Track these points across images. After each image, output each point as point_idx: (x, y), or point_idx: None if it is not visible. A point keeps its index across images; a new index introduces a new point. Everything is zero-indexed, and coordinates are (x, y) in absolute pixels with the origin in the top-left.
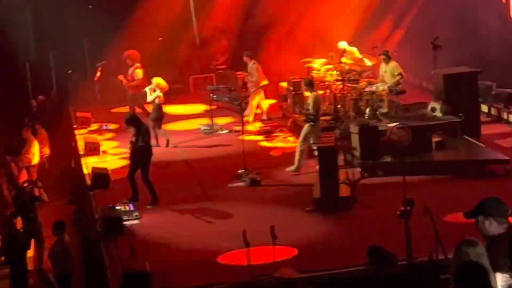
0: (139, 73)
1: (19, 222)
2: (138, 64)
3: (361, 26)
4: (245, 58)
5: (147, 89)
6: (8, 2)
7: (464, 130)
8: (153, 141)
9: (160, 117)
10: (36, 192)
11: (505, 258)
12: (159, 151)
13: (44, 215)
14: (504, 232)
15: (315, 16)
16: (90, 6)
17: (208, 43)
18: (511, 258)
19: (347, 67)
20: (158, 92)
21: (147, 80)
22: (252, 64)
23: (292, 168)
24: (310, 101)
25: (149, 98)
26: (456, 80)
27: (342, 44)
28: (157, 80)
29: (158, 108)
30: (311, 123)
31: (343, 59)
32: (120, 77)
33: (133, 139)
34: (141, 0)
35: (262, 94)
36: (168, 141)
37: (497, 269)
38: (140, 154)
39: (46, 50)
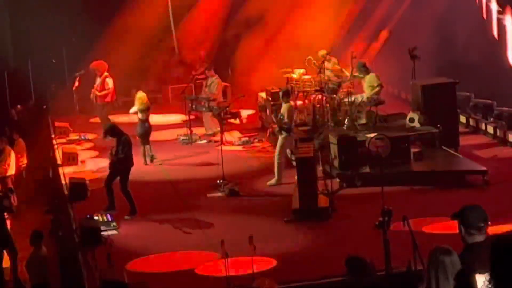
0: (109, 82)
1: None
2: (106, 74)
3: (340, 36)
4: (208, 72)
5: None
6: None
7: (442, 140)
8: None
9: (144, 133)
10: (7, 202)
11: (483, 266)
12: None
13: (21, 225)
14: (483, 240)
15: (294, 26)
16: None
17: (186, 53)
18: (491, 268)
19: (326, 77)
20: (138, 107)
21: (116, 90)
22: (214, 79)
23: (273, 181)
24: (284, 111)
25: (132, 110)
26: (435, 90)
27: (323, 52)
28: (138, 95)
29: (142, 123)
30: (285, 134)
31: (325, 66)
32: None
33: (113, 150)
34: (120, 9)
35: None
36: (152, 157)
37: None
38: (119, 164)
39: (25, 58)
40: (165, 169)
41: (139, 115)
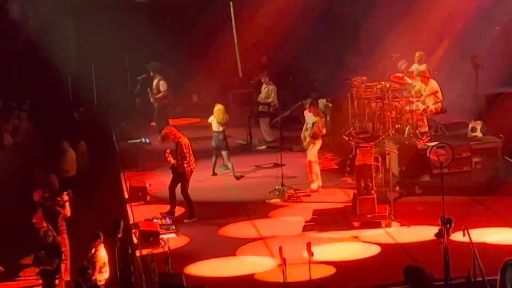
0: (163, 84)
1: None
2: (160, 76)
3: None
4: (264, 79)
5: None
6: (51, 14)
7: (504, 150)
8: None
9: (216, 145)
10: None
11: None
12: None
13: (79, 227)
14: None
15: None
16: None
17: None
18: None
19: (388, 85)
20: (214, 119)
21: (176, 94)
22: (270, 86)
23: (314, 185)
24: (317, 119)
25: (214, 127)
26: (498, 99)
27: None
28: (216, 107)
29: (216, 134)
30: (319, 141)
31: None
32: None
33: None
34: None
35: None
36: (224, 167)
37: None
38: (180, 168)
39: (88, 62)
40: (224, 173)
41: (213, 127)
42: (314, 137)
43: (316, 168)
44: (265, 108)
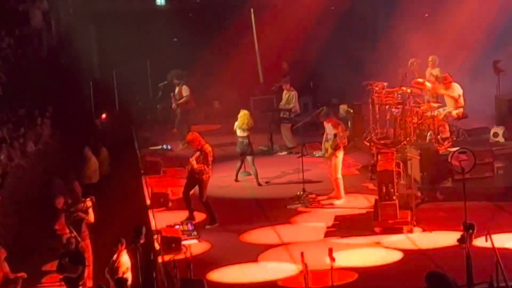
0: (186, 89)
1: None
2: (183, 81)
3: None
4: (285, 86)
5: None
6: (73, 21)
7: None
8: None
9: (241, 151)
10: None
11: None
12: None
13: (103, 233)
14: None
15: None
16: (175, 39)
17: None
18: None
19: (409, 90)
20: (238, 125)
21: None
22: (291, 93)
23: (339, 202)
24: (336, 130)
25: (239, 132)
26: None
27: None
28: (241, 113)
29: (241, 140)
30: (340, 152)
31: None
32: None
33: (194, 156)
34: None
35: None
36: (247, 174)
37: None
38: (197, 174)
39: (109, 68)
40: (246, 179)
41: (238, 132)
42: (336, 148)
43: (341, 185)
44: (286, 114)
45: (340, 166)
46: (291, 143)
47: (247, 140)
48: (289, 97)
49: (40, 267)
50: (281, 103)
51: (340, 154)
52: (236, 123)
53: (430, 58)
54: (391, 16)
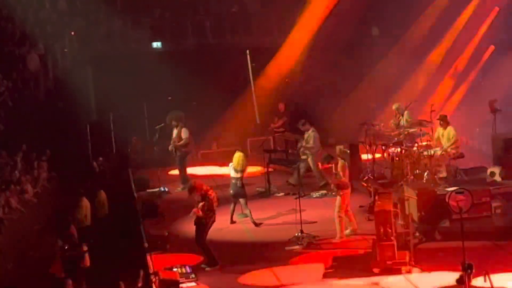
0: (185, 131)
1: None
2: (182, 124)
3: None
4: (303, 127)
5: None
6: (70, 64)
7: None
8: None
9: (234, 193)
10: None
11: None
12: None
13: (100, 276)
14: None
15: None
16: (169, 98)
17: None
18: None
19: (407, 130)
20: (233, 166)
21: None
22: (310, 132)
23: (337, 237)
24: (340, 170)
25: (232, 173)
26: None
27: (395, 107)
28: (235, 154)
29: (234, 181)
30: (343, 191)
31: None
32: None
33: (199, 205)
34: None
35: None
36: (243, 216)
37: None
38: (205, 219)
39: (107, 111)
40: (243, 221)
41: (232, 173)
42: (338, 187)
43: (338, 224)
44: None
45: (339, 205)
46: (320, 180)
47: (240, 182)
48: (309, 137)
49: None
50: (300, 143)
51: (345, 193)
52: (231, 164)
53: (394, 106)
54: (387, 56)
